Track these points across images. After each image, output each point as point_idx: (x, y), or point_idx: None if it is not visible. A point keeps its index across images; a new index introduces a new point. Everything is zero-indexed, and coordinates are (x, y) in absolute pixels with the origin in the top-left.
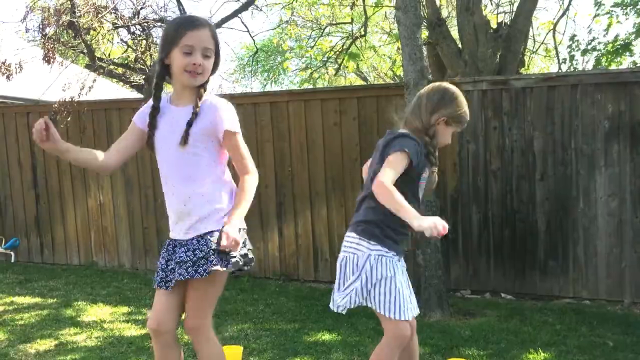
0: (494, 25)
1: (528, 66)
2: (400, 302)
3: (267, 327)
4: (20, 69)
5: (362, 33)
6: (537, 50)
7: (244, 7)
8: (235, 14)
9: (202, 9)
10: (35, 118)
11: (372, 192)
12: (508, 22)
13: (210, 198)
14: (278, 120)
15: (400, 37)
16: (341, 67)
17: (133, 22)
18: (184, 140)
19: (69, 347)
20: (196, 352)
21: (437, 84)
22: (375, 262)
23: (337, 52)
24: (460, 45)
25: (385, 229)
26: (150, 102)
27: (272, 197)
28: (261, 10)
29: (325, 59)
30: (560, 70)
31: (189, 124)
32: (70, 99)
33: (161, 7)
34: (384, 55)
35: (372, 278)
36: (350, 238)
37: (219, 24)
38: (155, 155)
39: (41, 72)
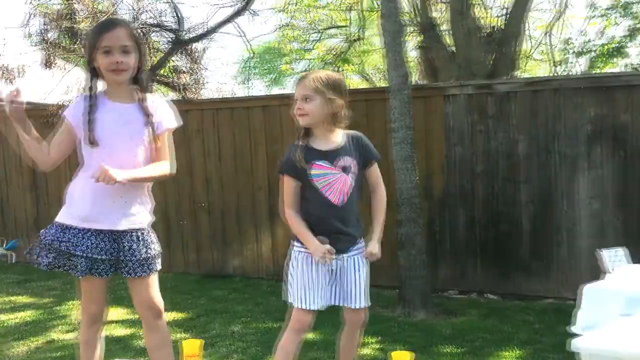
0: (488, 29)
1: (523, 69)
2: (295, 290)
3: (253, 326)
4: (22, 74)
5: (360, 36)
6: (532, 53)
7: (237, 14)
8: (229, 19)
9: (199, 14)
10: (34, 122)
11: None
12: (501, 26)
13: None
14: (270, 124)
15: (384, 44)
16: (338, 70)
17: (132, 26)
18: (150, 132)
19: (59, 345)
20: None
21: None
22: (290, 256)
23: (335, 55)
24: (453, 49)
25: None
26: (81, 99)
27: (265, 200)
28: (257, 14)
29: (323, 62)
30: (555, 74)
31: (147, 119)
32: (67, 102)
33: (159, 13)
34: None
35: (286, 270)
36: None
37: (214, 29)
38: (97, 147)
39: (46, 76)
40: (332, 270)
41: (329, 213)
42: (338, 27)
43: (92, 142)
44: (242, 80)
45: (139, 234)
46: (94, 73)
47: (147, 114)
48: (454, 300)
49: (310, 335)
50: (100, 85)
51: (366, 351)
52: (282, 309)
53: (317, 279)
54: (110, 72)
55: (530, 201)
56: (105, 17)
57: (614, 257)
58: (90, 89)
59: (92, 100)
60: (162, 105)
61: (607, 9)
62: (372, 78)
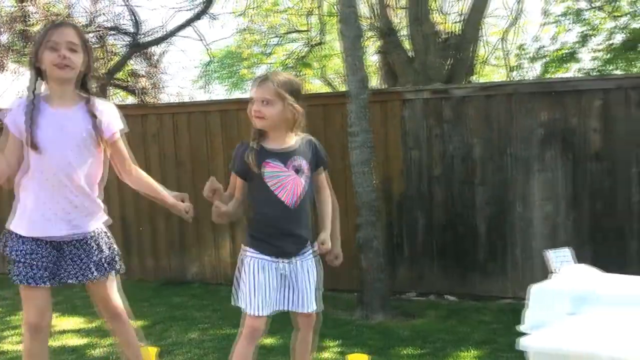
0: (445, 34)
1: (479, 74)
2: (245, 296)
3: (211, 333)
4: None
5: (320, 41)
6: (487, 59)
7: (196, 17)
8: (188, 23)
9: (157, 17)
10: None
11: None
12: (458, 32)
13: (96, 195)
14: (229, 128)
15: (343, 48)
16: (299, 74)
17: (87, 30)
18: (95, 141)
19: (11, 356)
20: None
21: None
22: (241, 262)
23: (296, 59)
24: (411, 54)
25: (251, 231)
26: (21, 103)
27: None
28: (217, 18)
29: (284, 67)
30: (510, 79)
31: (94, 125)
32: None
33: (116, 16)
34: None
35: (237, 275)
36: None
37: (173, 33)
38: (39, 152)
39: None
40: (282, 274)
41: (281, 213)
42: (298, 31)
43: (34, 147)
44: (202, 85)
45: (83, 240)
46: (38, 74)
47: (93, 116)
48: (412, 302)
49: (269, 340)
50: (43, 88)
51: (325, 355)
52: (241, 315)
53: (267, 283)
54: (54, 67)
55: (485, 203)
56: (59, 19)
57: (560, 257)
58: (34, 90)
59: (34, 101)
60: (108, 108)
61: (560, 15)
62: (332, 82)
